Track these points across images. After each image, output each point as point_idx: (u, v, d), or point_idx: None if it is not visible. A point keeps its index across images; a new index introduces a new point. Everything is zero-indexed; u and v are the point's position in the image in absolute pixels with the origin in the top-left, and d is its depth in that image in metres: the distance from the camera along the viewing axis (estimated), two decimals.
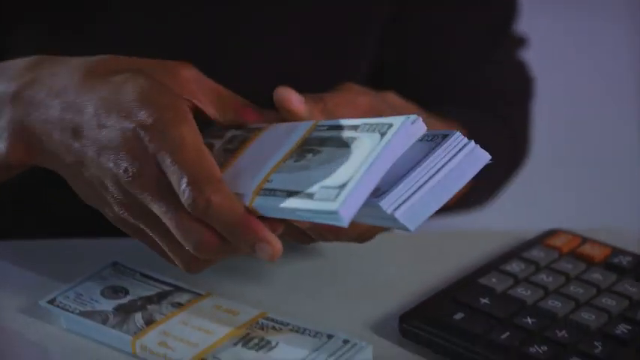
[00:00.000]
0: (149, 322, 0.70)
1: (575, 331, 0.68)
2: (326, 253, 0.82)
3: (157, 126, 0.64)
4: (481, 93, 1.02)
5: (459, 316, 0.70)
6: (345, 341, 0.67)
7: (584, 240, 0.79)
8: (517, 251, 0.77)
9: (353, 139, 0.62)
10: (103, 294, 0.72)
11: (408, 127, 0.60)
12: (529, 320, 0.69)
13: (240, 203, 0.63)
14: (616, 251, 0.77)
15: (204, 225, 0.63)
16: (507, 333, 0.67)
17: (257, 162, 0.66)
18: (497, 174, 1.04)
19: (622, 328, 0.68)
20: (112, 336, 0.69)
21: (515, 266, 0.75)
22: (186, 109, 0.66)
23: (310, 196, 0.60)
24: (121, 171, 0.65)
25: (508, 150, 1.04)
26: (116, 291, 0.73)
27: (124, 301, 0.72)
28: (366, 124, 0.62)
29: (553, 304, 0.70)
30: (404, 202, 0.60)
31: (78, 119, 0.67)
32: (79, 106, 0.68)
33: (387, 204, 0.60)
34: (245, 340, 0.68)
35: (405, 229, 0.60)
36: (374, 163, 0.59)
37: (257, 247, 0.63)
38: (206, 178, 0.63)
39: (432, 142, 0.61)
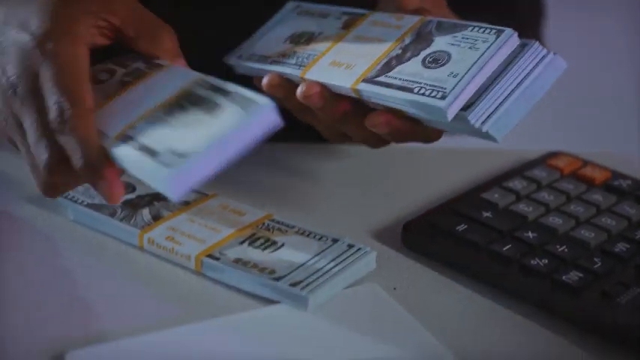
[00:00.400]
0: (156, 217, 0.71)
1: (575, 247, 0.69)
2: (332, 164, 0.83)
3: (48, 39, 0.65)
4: None
5: (461, 227, 0.71)
6: (350, 246, 0.69)
7: (585, 163, 0.80)
8: (520, 169, 0.79)
9: (219, 106, 0.62)
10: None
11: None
12: (530, 234, 0.70)
13: (95, 138, 0.63)
14: (616, 175, 0.78)
15: (59, 147, 0.64)
16: (509, 245, 0.69)
17: (134, 103, 0.66)
18: None
19: (621, 247, 0.69)
20: (120, 229, 0.70)
21: (517, 183, 0.76)
22: (83, 30, 0.66)
23: (154, 153, 0.60)
24: (5, 77, 0.66)
25: None
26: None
27: (132, 196, 0.73)
28: (239, 94, 0.63)
29: (554, 220, 0.72)
30: (490, 115, 0.64)
31: None
32: None
33: (474, 117, 0.64)
34: (251, 240, 0.69)
35: (494, 140, 0.64)
36: (225, 146, 0.60)
37: (98, 184, 0.63)
38: (74, 100, 0.63)
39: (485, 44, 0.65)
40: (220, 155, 0.60)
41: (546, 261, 0.67)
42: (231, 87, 0.64)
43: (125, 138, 0.63)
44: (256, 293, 0.65)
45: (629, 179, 0.78)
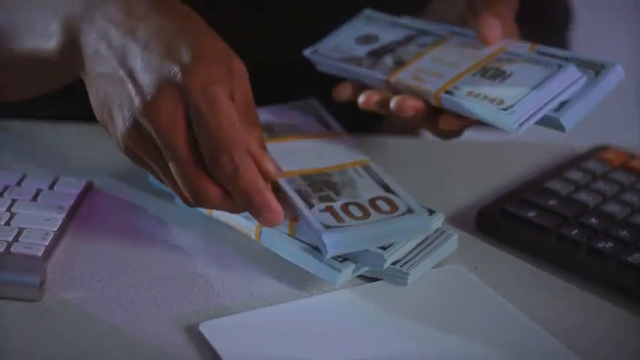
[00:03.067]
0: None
1: (635, 231, 0.77)
2: (403, 157, 0.90)
3: (199, 74, 0.66)
4: None
5: (531, 214, 0.79)
6: (436, 230, 0.76)
7: (632, 156, 0.88)
8: (575, 162, 0.87)
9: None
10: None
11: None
12: (593, 220, 0.78)
13: (259, 176, 0.68)
14: None
15: (210, 181, 0.67)
16: (576, 230, 0.77)
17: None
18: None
19: None
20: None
21: (575, 174, 0.84)
22: (233, 75, 0.68)
23: (311, 206, 0.71)
24: (142, 105, 0.66)
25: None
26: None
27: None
28: (396, 193, 0.73)
29: (612, 208, 0.80)
30: (527, 119, 0.73)
31: (128, 39, 0.68)
32: (133, 27, 0.69)
33: (513, 119, 0.73)
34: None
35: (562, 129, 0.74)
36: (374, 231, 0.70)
37: (263, 215, 0.68)
38: (235, 144, 0.66)
39: (548, 67, 0.75)
40: (366, 238, 0.70)
41: (611, 244, 0.75)
42: (393, 184, 0.75)
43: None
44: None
45: None
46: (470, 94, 0.75)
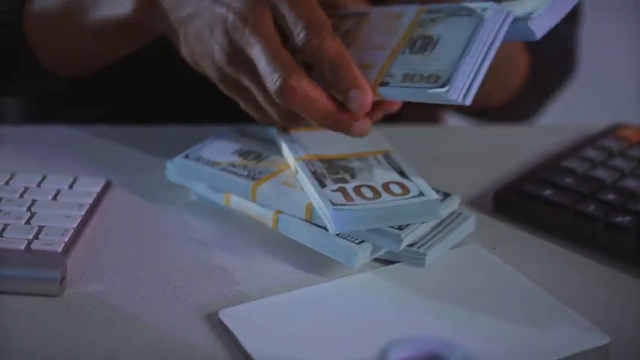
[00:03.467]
0: None
1: None
2: (416, 144, 0.90)
3: None
4: None
5: (547, 192, 0.79)
6: (453, 213, 0.76)
7: None
8: (592, 141, 0.87)
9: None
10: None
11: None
12: (610, 196, 0.78)
13: (345, 50, 0.72)
14: None
15: (300, 72, 0.71)
16: (593, 206, 0.77)
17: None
18: (545, 86, 1.12)
19: None
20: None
21: (591, 152, 0.84)
22: None
23: (323, 186, 0.71)
24: (231, 13, 0.72)
25: (556, 62, 1.12)
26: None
27: None
28: (413, 181, 0.73)
29: (630, 183, 0.80)
30: (468, 87, 0.69)
31: None
32: None
33: (455, 94, 0.69)
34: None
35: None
36: (378, 213, 0.71)
37: (351, 92, 0.71)
38: (320, 23, 0.71)
39: (471, 17, 0.71)
40: (375, 218, 0.71)
41: (629, 218, 0.75)
42: (412, 173, 0.75)
43: (307, 162, 0.73)
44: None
45: None
46: (405, 78, 0.72)
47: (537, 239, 0.77)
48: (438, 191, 0.74)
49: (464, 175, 0.85)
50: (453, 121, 1.31)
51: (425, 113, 1.18)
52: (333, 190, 0.72)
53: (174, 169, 0.79)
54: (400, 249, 0.71)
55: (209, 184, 0.78)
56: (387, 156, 0.77)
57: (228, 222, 0.77)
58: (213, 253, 0.74)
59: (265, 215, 0.75)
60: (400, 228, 0.71)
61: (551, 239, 0.77)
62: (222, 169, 0.76)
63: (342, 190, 0.71)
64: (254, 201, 0.76)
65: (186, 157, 0.78)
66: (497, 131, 0.95)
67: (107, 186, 0.80)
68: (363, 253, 0.71)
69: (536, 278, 0.72)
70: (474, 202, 0.81)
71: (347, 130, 0.73)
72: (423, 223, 0.72)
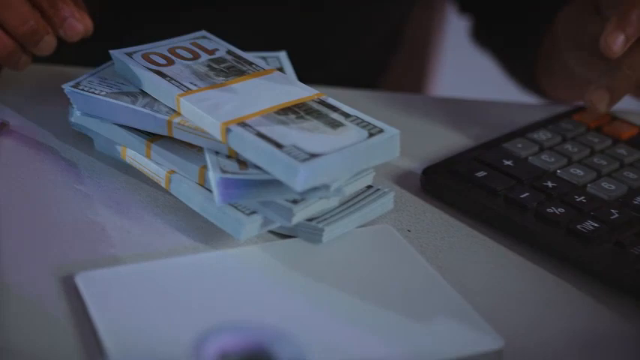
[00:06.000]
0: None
1: (594, 199, 0.69)
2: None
3: None
4: None
5: (481, 173, 0.71)
6: (369, 186, 0.69)
7: (614, 118, 0.79)
8: (546, 122, 0.78)
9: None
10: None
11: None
12: (549, 184, 0.70)
13: None
14: None
15: None
16: (527, 193, 0.69)
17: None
18: None
19: (639, 200, 0.69)
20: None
21: (542, 135, 0.76)
22: None
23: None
24: None
25: None
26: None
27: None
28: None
29: (575, 172, 0.71)
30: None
31: None
32: None
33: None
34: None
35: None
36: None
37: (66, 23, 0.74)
38: None
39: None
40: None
41: (563, 210, 0.67)
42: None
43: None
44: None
45: None
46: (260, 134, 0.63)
47: (462, 225, 0.69)
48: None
49: (404, 147, 0.77)
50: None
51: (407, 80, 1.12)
52: (229, 156, 0.64)
53: (75, 112, 0.71)
54: (292, 223, 0.64)
55: (106, 135, 0.71)
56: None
57: (121, 177, 0.70)
58: (97, 210, 0.67)
59: (158, 173, 0.68)
60: (294, 202, 0.63)
61: (477, 226, 0.69)
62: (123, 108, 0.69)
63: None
64: (149, 158, 0.69)
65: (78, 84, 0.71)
66: (446, 102, 0.87)
67: (2, 126, 0.74)
68: (252, 225, 0.64)
69: (447, 268, 0.64)
70: (403, 179, 0.74)
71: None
72: (323, 198, 0.64)
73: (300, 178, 0.60)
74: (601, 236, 0.65)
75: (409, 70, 1.24)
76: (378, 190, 0.69)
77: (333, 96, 0.69)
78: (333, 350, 0.55)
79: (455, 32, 1.24)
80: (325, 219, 0.65)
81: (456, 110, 0.86)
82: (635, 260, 0.63)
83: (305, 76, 0.75)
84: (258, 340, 0.45)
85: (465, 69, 1.53)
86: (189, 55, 0.71)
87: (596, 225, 0.66)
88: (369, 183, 0.68)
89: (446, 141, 0.79)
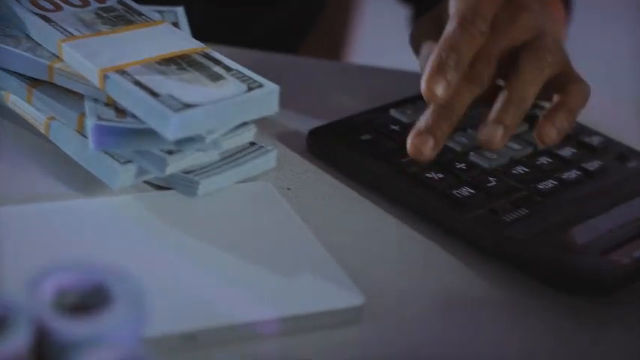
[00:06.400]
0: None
1: (474, 166, 0.69)
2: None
3: None
4: None
5: (366, 137, 0.71)
6: (252, 143, 0.69)
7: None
8: None
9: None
10: None
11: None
12: None
13: None
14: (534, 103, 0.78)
15: None
16: (408, 158, 0.69)
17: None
18: None
19: (519, 170, 0.70)
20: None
21: None
22: None
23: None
24: None
25: None
26: None
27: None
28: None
29: (459, 140, 0.72)
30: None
31: None
32: None
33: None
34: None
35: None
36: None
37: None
38: None
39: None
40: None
41: (442, 176, 0.68)
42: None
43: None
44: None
45: (543, 108, 0.77)
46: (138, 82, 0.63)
47: (343, 186, 0.70)
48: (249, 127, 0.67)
49: (296, 108, 0.78)
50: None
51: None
52: (107, 104, 0.64)
53: None
54: (166, 174, 0.63)
55: None
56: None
57: (3, 122, 0.70)
58: None
59: (39, 119, 0.68)
60: (170, 152, 0.63)
61: (358, 189, 0.69)
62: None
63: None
64: (30, 103, 0.68)
65: None
66: (370, 71, 0.87)
67: None
68: (126, 174, 0.63)
69: (321, 227, 0.64)
70: (289, 138, 0.74)
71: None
72: (199, 151, 0.64)
73: (172, 128, 0.60)
74: (475, 203, 0.66)
75: (329, 36, 1.24)
76: (262, 147, 0.69)
77: (242, 59, 0.69)
78: (175, 292, 0.56)
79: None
80: (203, 172, 0.65)
81: (363, 78, 0.86)
82: (505, 227, 0.64)
83: (225, 40, 0.75)
84: (99, 279, 0.45)
85: (388, 37, 1.53)
86: (79, 3, 0.71)
87: (472, 191, 0.66)
88: (251, 139, 0.68)
89: (341, 106, 0.79)
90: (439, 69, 0.67)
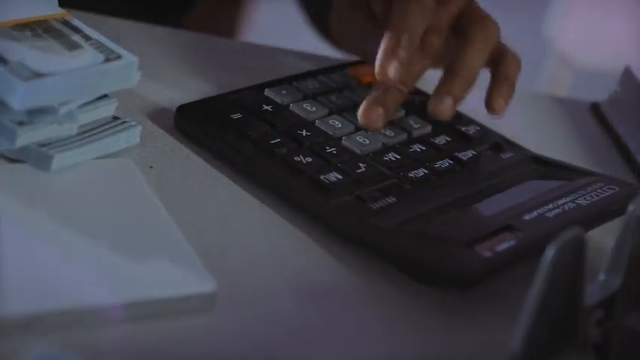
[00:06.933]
0: None
1: (345, 151, 0.67)
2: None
3: None
4: None
5: (236, 116, 0.69)
6: (115, 118, 0.66)
7: None
8: (317, 72, 0.76)
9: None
10: None
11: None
12: (304, 133, 0.68)
13: None
14: (415, 91, 0.76)
15: None
16: (278, 139, 0.67)
17: None
18: None
19: (391, 157, 0.68)
20: None
21: (309, 84, 0.74)
22: None
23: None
24: None
25: None
26: None
27: None
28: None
29: (333, 123, 0.70)
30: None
31: None
32: None
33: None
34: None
35: None
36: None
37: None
38: None
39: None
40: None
41: (310, 159, 0.66)
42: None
43: None
44: None
45: (425, 96, 0.76)
46: None
47: (209, 166, 0.67)
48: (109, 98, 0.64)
49: (167, 83, 0.75)
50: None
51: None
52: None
53: None
54: (16, 146, 0.60)
55: None
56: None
57: None
58: None
59: None
60: (21, 123, 0.60)
61: (225, 171, 0.67)
62: None
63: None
64: None
65: None
66: (252, 49, 0.84)
67: None
68: None
69: (181, 207, 0.62)
70: (157, 115, 0.71)
71: None
72: (54, 123, 0.61)
73: (18, 97, 0.57)
74: (342, 188, 0.64)
75: (220, 12, 1.21)
76: (125, 122, 0.66)
77: (114, 28, 0.66)
78: (16, 273, 0.53)
79: None
80: (58, 146, 0.62)
81: (248, 56, 0.83)
82: (371, 215, 0.62)
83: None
84: None
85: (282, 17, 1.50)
86: None
87: (339, 177, 0.64)
88: (111, 113, 0.65)
89: (218, 84, 0.77)
90: (392, 51, 0.68)
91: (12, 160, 0.62)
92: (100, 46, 0.62)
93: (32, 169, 0.62)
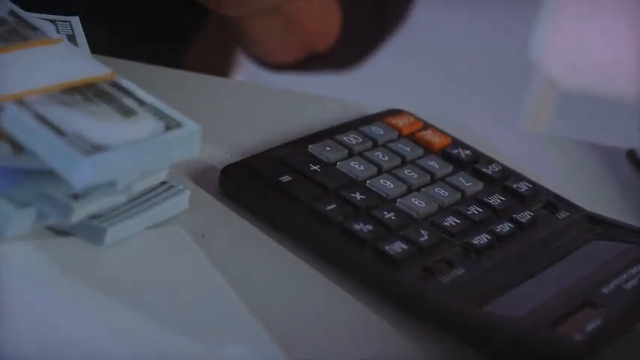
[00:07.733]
0: None
1: (403, 216, 0.64)
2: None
3: None
4: None
5: (285, 178, 0.65)
6: (163, 182, 0.62)
7: (426, 126, 0.75)
8: (356, 124, 0.73)
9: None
10: None
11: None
12: (358, 195, 0.65)
13: None
14: (456, 142, 0.73)
15: None
16: (334, 205, 0.63)
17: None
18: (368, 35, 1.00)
19: (450, 221, 0.65)
20: None
21: (352, 138, 0.70)
22: None
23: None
24: None
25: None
26: None
27: None
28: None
29: (385, 184, 0.67)
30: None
31: None
32: None
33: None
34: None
35: None
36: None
37: None
38: None
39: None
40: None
41: (370, 227, 0.62)
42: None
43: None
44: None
45: (468, 149, 0.73)
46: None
47: (261, 233, 0.63)
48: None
49: (206, 137, 0.70)
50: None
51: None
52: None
53: None
54: (72, 222, 0.56)
55: None
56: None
57: None
58: None
59: None
60: (75, 197, 0.56)
61: (278, 237, 0.63)
62: None
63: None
64: None
65: None
66: (253, 90, 0.80)
67: None
68: (22, 221, 0.55)
69: (240, 280, 0.58)
70: (201, 177, 0.67)
71: None
72: (109, 196, 0.57)
73: (80, 174, 0.53)
74: (409, 260, 0.60)
75: (215, 51, 1.17)
76: (172, 187, 0.62)
77: (131, 70, 0.61)
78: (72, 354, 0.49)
79: None
80: (110, 218, 0.58)
81: (261, 98, 0.79)
82: (444, 289, 0.59)
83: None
84: None
85: None
86: None
87: (404, 247, 0.61)
88: (163, 179, 0.61)
89: (245, 131, 0.73)
90: None
91: (58, 232, 0.58)
92: (156, 112, 0.58)
93: (82, 243, 0.57)
